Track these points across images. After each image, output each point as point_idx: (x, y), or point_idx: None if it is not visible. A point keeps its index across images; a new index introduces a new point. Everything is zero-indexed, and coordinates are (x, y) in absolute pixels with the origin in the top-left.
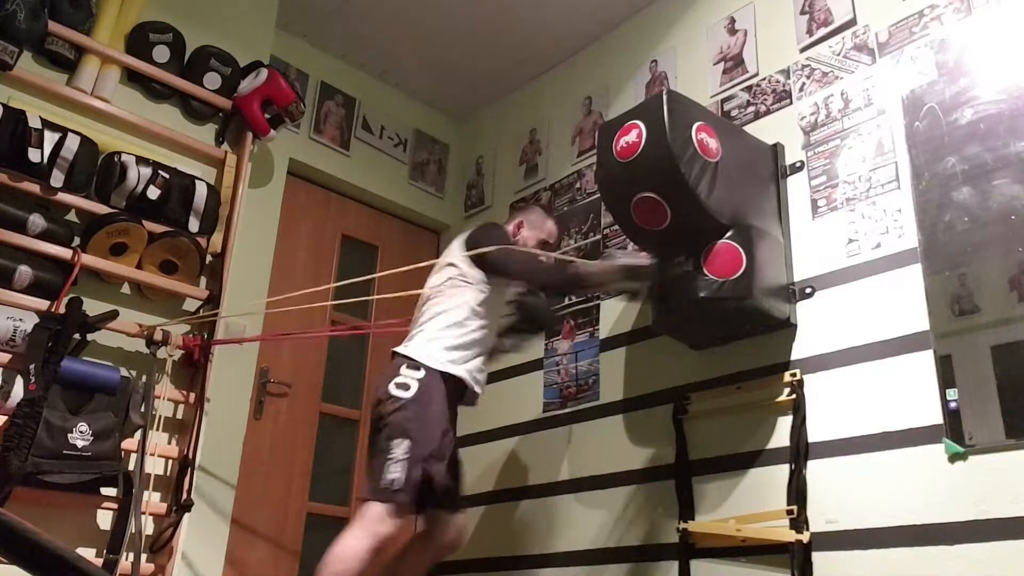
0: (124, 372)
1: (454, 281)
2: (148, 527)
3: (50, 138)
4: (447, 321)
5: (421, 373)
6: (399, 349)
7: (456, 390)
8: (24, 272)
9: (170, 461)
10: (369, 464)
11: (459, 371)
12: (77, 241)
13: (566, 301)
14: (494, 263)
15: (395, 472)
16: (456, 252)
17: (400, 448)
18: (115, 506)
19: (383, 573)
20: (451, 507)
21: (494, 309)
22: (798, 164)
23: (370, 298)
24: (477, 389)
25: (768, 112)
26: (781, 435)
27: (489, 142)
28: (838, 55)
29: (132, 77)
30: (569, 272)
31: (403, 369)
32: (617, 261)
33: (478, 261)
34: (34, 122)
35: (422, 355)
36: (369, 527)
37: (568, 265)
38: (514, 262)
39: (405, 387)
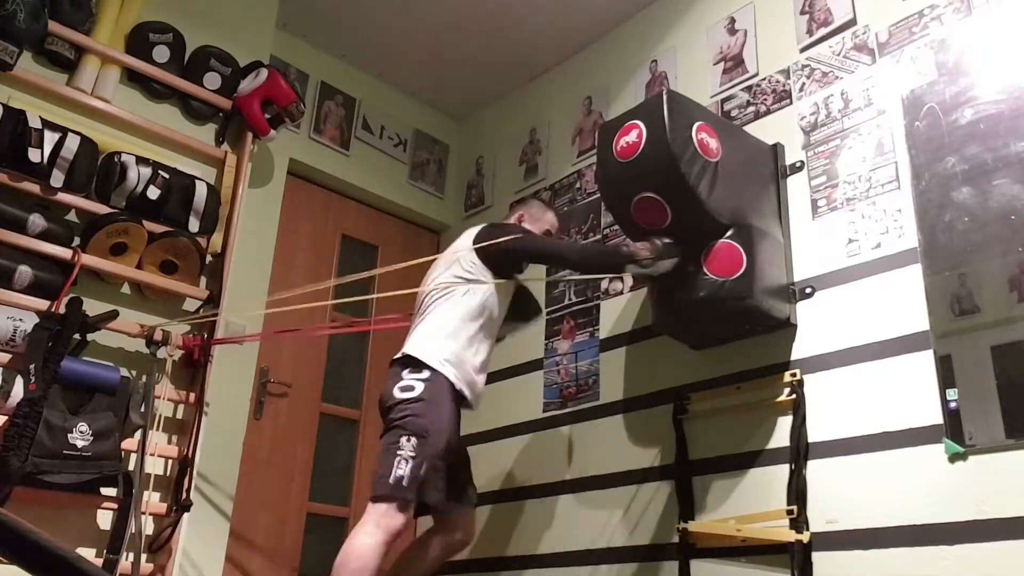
0: (124, 372)
1: (459, 281)
2: (148, 527)
3: (50, 138)
4: (449, 320)
5: (425, 374)
6: (399, 353)
7: (458, 393)
8: (24, 272)
9: (170, 461)
10: (377, 462)
11: (458, 381)
12: (77, 241)
13: (567, 297)
14: (520, 250)
15: (402, 469)
16: (465, 250)
17: (409, 445)
18: (115, 506)
19: (393, 569)
20: (463, 504)
21: (498, 309)
22: (798, 164)
23: (370, 297)
24: (474, 399)
25: (768, 112)
26: (781, 435)
27: (489, 142)
28: (838, 55)
29: (132, 77)
30: (602, 247)
31: (405, 373)
32: (652, 242)
33: (493, 256)
34: (34, 122)
35: (423, 354)
36: (379, 523)
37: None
38: (543, 244)
39: (410, 388)
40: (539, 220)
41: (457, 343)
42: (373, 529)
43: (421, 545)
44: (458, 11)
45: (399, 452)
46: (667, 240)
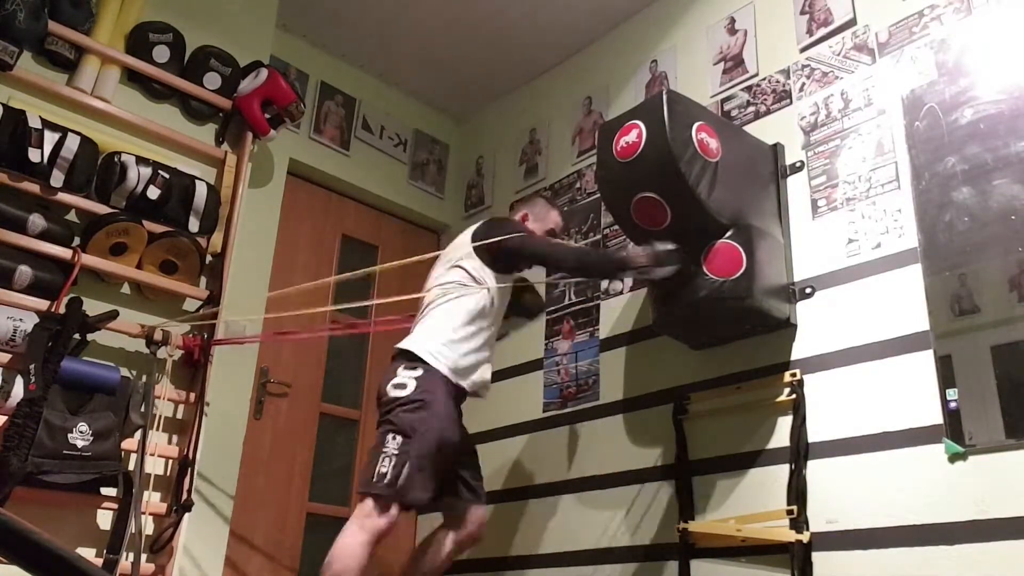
0: (124, 372)
1: (462, 281)
2: (148, 527)
3: (50, 138)
4: (449, 319)
5: (419, 372)
6: (398, 345)
7: (458, 390)
8: (24, 272)
9: (170, 461)
10: (367, 457)
11: (454, 375)
12: (77, 241)
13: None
14: (518, 251)
15: (385, 466)
16: (465, 248)
17: (393, 443)
18: (115, 506)
19: (408, 565)
20: (470, 499)
21: (499, 310)
22: (798, 164)
23: (371, 303)
24: (477, 388)
25: (768, 112)
26: (781, 435)
27: (489, 142)
28: (838, 55)
29: (132, 77)
30: (599, 253)
31: (400, 370)
32: (652, 248)
33: (492, 255)
34: (34, 122)
35: (421, 350)
36: (362, 521)
37: (595, 248)
38: (540, 247)
39: (402, 387)
40: (544, 219)
41: (456, 340)
42: (356, 529)
43: (433, 541)
44: (458, 11)
45: (384, 449)
46: (668, 246)
